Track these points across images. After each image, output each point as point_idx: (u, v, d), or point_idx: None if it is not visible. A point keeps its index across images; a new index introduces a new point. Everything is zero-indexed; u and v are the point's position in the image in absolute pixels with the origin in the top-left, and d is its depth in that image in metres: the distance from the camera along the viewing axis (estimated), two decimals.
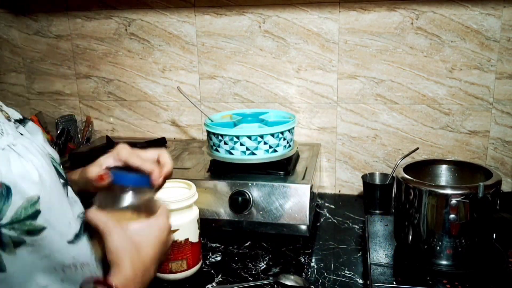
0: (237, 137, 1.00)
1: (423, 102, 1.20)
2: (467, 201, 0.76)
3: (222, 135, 1.01)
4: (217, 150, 1.04)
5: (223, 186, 0.99)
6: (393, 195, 1.03)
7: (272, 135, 1.00)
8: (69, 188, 0.58)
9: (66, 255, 0.53)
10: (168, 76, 1.34)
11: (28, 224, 0.48)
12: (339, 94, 1.23)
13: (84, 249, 0.55)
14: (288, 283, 0.83)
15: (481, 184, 0.75)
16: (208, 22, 1.27)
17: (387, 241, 0.92)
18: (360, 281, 0.84)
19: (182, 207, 0.82)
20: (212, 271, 0.89)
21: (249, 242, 1.00)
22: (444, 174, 0.93)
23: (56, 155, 0.61)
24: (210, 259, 0.94)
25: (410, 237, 0.83)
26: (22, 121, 0.60)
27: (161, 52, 1.32)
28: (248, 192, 0.97)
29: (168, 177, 0.64)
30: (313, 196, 1.04)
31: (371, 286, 0.77)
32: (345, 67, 1.21)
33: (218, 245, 0.99)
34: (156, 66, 1.34)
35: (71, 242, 0.53)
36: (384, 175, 1.18)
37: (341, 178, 1.30)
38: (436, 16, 1.13)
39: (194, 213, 0.86)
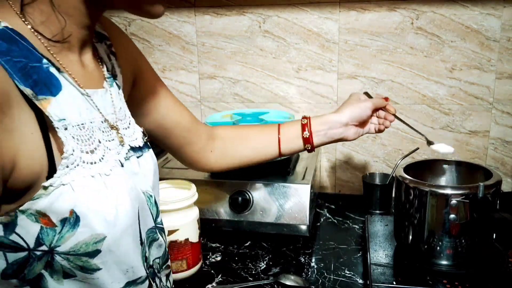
0: None
1: (423, 102, 1.20)
2: (467, 201, 0.76)
3: None
4: None
5: (223, 186, 0.99)
6: (393, 195, 1.03)
7: None
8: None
9: None
10: (168, 76, 1.34)
11: (84, 261, 0.46)
12: (339, 94, 1.23)
13: None
14: (288, 283, 0.83)
15: (481, 184, 0.75)
16: (208, 22, 1.27)
17: (387, 241, 0.92)
18: (360, 281, 0.84)
19: (182, 207, 0.82)
20: (212, 271, 0.89)
21: (249, 242, 1.00)
22: (444, 174, 0.93)
23: (157, 195, 0.59)
24: (210, 259, 0.94)
25: (410, 237, 0.83)
26: (139, 150, 0.58)
27: (161, 52, 1.32)
28: (248, 192, 0.97)
29: None
30: (313, 196, 1.04)
31: (371, 286, 0.77)
32: (345, 67, 1.21)
33: (218, 245, 0.99)
34: (156, 66, 1.34)
35: None
36: (384, 175, 1.18)
37: (341, 178, 1.30)
38: (436, 16, 1.13)
39: (194, 213, 0.86)
